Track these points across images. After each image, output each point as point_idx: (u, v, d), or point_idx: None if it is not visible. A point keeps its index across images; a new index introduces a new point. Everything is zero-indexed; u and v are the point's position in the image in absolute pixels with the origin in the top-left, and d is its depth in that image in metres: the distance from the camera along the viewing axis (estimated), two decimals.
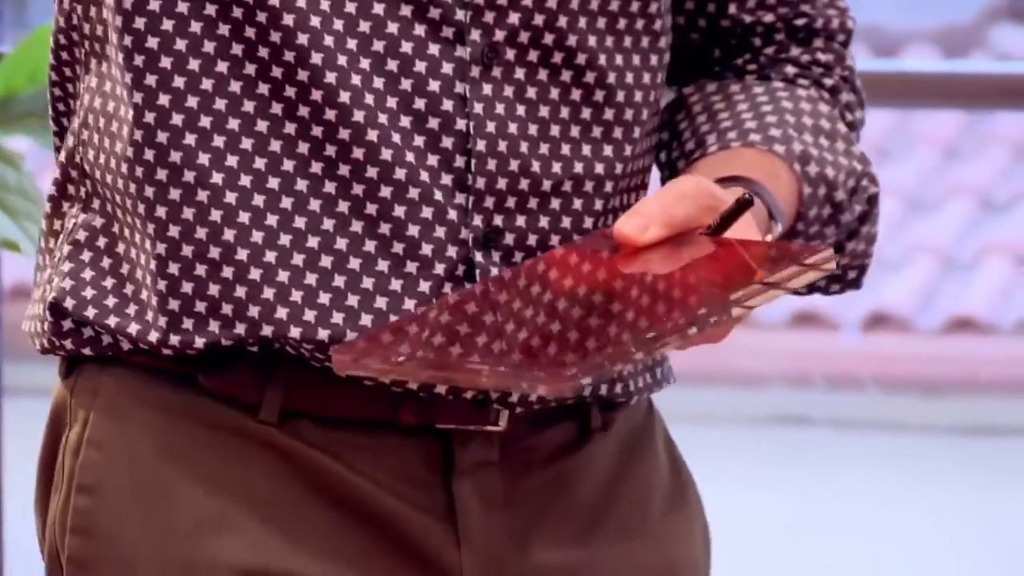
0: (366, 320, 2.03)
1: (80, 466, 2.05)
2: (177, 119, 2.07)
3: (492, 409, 2.05)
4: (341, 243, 2.04)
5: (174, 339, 2.02)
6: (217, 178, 2.04)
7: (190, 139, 2.07)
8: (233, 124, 2.05)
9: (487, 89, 2.06)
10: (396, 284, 2.04)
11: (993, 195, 9.09)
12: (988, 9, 9.96)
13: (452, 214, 2.04)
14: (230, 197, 2.06)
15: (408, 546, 2.05)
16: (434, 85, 2.05)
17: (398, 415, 2.04)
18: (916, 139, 9.70)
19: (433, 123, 2.04)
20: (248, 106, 2.04)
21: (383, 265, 2.05)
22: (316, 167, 2.03)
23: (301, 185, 2.05)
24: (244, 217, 2.06)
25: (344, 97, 2.03)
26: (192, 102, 2.07)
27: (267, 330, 2.01)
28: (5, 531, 4.12)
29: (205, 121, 2.06)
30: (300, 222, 2.05)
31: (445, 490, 2.06)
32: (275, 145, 2.04)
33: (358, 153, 2.02)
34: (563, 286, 1.91)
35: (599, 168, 2.09)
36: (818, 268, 1.89)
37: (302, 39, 2.04)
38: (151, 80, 2.04)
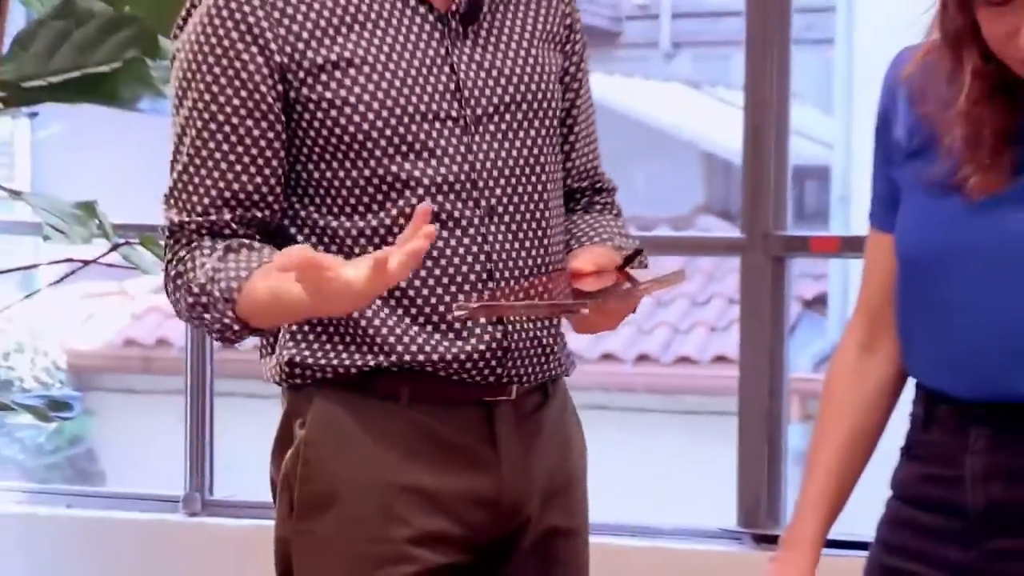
0: (462, 345, 1.92)
1: (307, 432, 1.92)
2: None
3: (509, 387, 1.94)
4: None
5: (348, 363, 1.92)
6: None
7: None
8: None
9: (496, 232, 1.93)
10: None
11: (699, 297, 8.89)
12: (695, 208, 9.86)
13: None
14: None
15: (475, 459, 1.94)
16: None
17: (469, 396, 1.93)
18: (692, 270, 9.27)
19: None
20: None
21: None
22: None
23: None
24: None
25: None
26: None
27: (407, 358, 1.90)
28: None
29: None
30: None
31: (490, 430, 1.94)
32: None
33: None
34: (544, 287, 1.88)
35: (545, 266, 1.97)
36: (670, 283, 1.91)
37: None
38: None
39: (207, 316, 1.85)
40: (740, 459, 3.24)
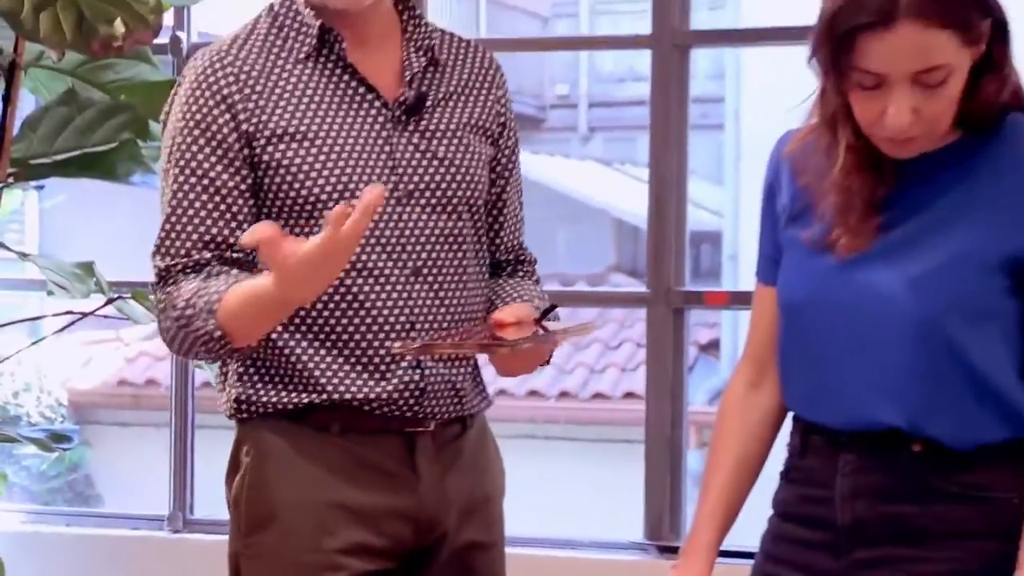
0: (384, 385, 1.92)
1: (252, 459, 1.94)
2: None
3: (428, 421, 1.93)
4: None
5: (285, 400, 1.92)
6: None
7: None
8: None
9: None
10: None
11: (611, 342, 8.87)
12: (608, 267, 9.87)
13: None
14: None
15: (397, 481, 1.93)
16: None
17: (391, 428, 1.92)
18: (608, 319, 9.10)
19: None
20: None
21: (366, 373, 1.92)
22: None
23: None
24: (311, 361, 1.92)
25: None
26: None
27: (336, 396, 1.91)
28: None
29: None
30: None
31: (411, 457, 1.93)
32: None
33: None
34: (467, 334, 1.90)
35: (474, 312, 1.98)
36: (580, 333, 1.92)
37: None
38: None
39: (192, 327, 1.83)
40: (646, 480, 3.23)
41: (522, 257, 2.13)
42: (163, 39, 3.14)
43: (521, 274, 2.11)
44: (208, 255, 1.88)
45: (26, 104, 2.70)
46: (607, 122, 11.80)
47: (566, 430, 8.55)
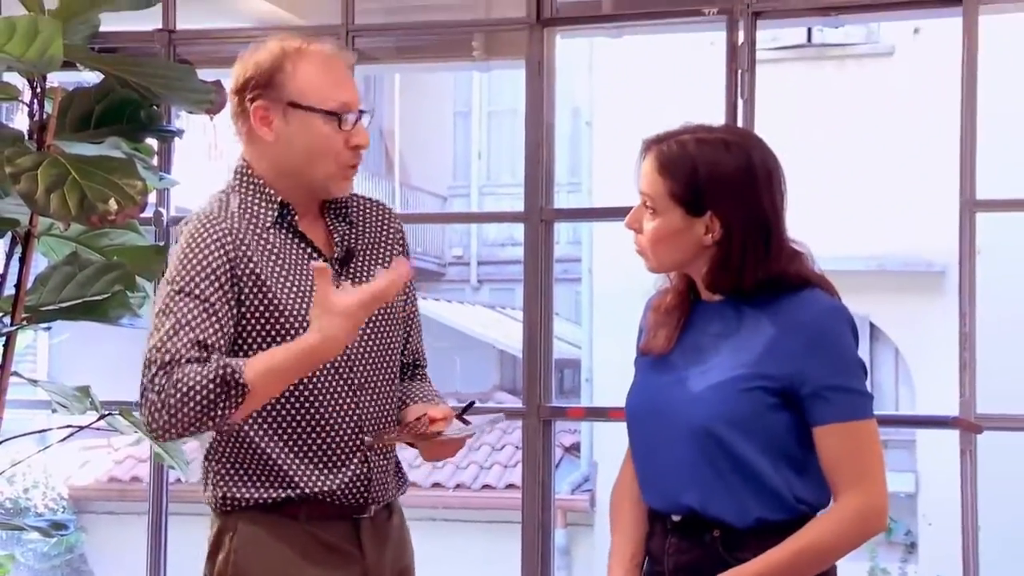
0: (341, 476, 1.90)
1: (235, 543, 1.92)
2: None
3: (369, 507, 1.94)
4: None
5: (264, 496, 1.90)
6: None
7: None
8: None
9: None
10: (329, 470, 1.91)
11: (496, 445, 8.82)
12: (493, 386, 9.87)
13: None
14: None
15: (348, 556, 1.93)
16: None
17: (343, 515, 1.92)
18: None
19: None
20: None
21: (324, 464, 1.91)
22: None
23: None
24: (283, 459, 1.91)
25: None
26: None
27: (305, 489, 1.89)
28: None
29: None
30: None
31: (358, 538, 1.93)
32: None
33: None
34: (412, 429, 1.84)
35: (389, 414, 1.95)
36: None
37: None
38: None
39: (221, 374, 1.76)
40: (523, 552, 3.19)
41: (418, 361, 2.08)
42: (148, 214, 3.13)
43: (419, 376, 2.08)
44: (197, 355, 1.81)
45: (39, 264, 2.68)
46: (492, 276, 11.97)
47: (461, 513, 8.47)
